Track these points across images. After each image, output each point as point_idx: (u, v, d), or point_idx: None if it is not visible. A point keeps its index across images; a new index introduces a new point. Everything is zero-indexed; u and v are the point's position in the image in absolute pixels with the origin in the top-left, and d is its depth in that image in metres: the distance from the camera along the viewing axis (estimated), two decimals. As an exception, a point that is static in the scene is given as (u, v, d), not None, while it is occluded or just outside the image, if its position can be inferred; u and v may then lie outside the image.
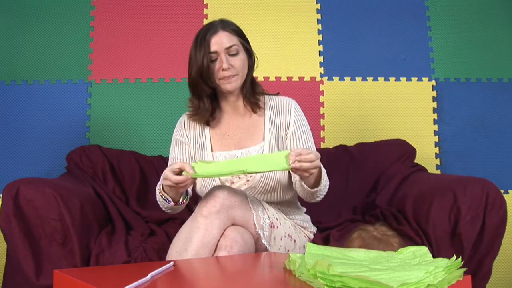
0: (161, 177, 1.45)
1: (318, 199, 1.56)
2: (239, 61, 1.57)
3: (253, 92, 1.65)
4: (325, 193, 1.56)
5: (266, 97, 1.70)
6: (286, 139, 1.64)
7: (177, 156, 1.66)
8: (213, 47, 1.54)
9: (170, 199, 1.49)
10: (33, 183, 1.61)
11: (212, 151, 1.63)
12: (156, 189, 1.54)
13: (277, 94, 1.73)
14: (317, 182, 1.48)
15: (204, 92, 1.59)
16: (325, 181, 1.51)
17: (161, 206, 1.57)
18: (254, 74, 1.68)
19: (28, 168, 2.34)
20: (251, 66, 1.64)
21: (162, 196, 1.50)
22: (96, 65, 2.48)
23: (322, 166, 1.48)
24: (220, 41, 1.55)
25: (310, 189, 1.48)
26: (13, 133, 2.39)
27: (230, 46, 1.56)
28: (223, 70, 1.55)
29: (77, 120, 2.42)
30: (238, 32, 1.61)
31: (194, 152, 1.65)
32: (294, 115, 1.65)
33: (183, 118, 1.71)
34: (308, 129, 1.67)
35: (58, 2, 2.52)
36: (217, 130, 1.67)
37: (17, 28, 2.49)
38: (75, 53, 2.48)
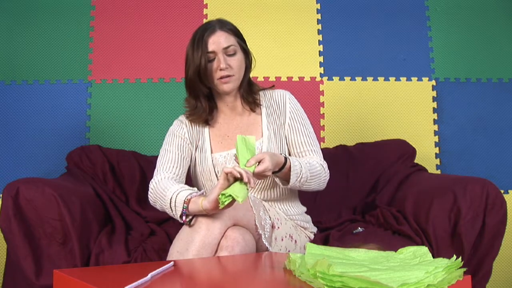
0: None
1: (312, 188, 1.57)
2: (237, 61, 1.57)
3: (250, 92, 1.65)
4: (315, 185, 1.56)
5: (261, 93, 1.70)
6: (284, 131, 1.65)
7: (175, 151, 1.59)
8: (210, 47, 1.54)
9: (186, 210, 1.38)
10: (33, 183, 1.61)
11: (212, 152, 1.62)
12: (174, 195, 1.41)
13: (272, 87, 1.72)
14: (286, 178, 1.50)
15: (201, 92, 1.59)
16: (300, 177, 1.49)
17: (160, 207, 1.48)
18: (254, 74, 1.68)
19: (28, 168, 2.34)
20: (248, 66, 1.64)
21: (183, 206, 1.37)
22: (96, 65, 2.47)
23: (290, 162, 1.47)
24: (218, 41, 1.54)
25: (283, 186, 1.52)
26: (13, 133, 2.39)
27: (228, 47, 1.55)
28: (220, 70, 1.54)
29: (77, 120, 2.42)
30: (235, 32, 1.60)
31: (193, 154, 1.65)
32: (289, 107, 1.66)
33: (183, 119, 1.68)
34: (305, 118, 1.67)
35: (58, 2, 2.52)
36: (216, 132, 1.66)
37: (17, 28, 2.49)
38: (75, 53, 2.48)
